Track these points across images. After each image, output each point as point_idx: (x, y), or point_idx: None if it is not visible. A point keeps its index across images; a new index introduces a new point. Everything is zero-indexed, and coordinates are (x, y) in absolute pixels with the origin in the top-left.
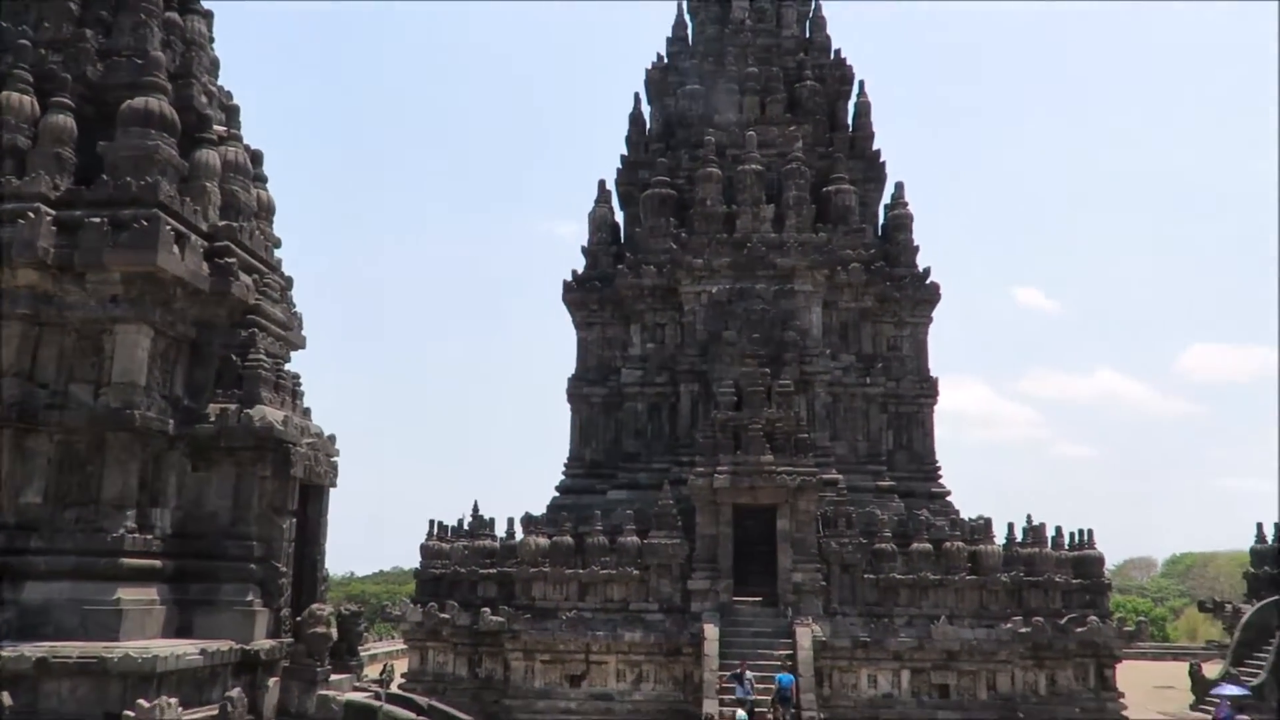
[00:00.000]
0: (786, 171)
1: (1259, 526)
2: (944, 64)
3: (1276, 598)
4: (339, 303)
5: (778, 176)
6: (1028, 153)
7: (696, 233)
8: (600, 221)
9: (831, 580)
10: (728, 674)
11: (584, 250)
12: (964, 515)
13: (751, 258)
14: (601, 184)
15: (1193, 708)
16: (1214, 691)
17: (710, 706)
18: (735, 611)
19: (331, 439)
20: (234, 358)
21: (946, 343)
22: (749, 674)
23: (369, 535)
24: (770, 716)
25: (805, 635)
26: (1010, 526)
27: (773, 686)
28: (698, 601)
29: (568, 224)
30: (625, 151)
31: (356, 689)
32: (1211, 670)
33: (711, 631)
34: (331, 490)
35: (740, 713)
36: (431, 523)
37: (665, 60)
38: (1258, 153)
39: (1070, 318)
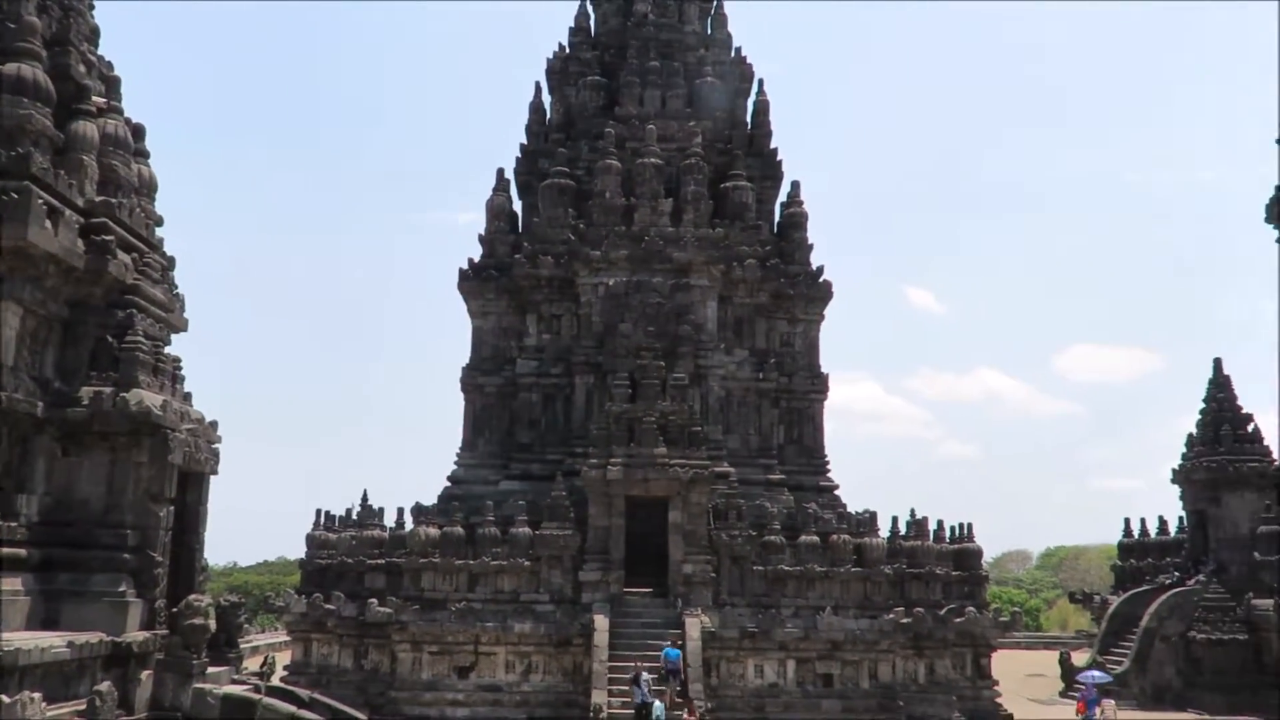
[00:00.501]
0: (685, 166)
1: (1127, 522)
2: (845, 66)
3: (1141, 589)
4: (225, 288)
5: (676, 171)
6: (924, 157)
7: (595, 224)
8: (498, 210)
9: (721, 572)
10: (627, 676)
11: (481, 239)
12: (851, 509)
13: (649, 251)
14: (500, 172)
15: (1062, 694)
16: (1079, 677)
17: (599, 697)
18: (626, 602)
19: (214, 425)
20: (110, 339)
21: (838, 340)
22: (646, 675)
23: (254, 525)
24: (668, 695)
25: (694, 626)
26: (895, 520)
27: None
28: (589, 592)
29: (466, 212)
30: (525, 141)
31: (235, 682)
32: (1080, 658)
33: (602, 622)
34: (213, 478)
35: (658, 704)
36: (318, 512)
37: (567, 50)
38: (1138, 161)
39: (957, 319)
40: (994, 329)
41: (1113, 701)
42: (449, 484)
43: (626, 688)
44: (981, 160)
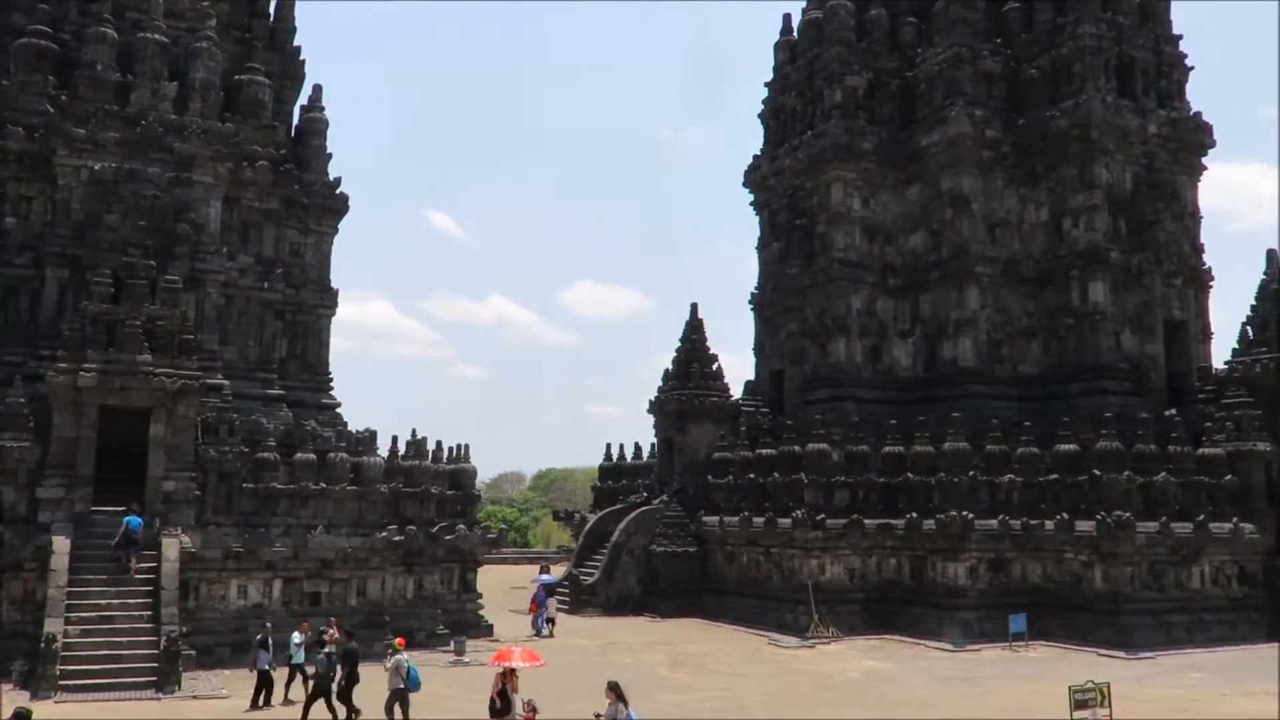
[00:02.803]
0: (195, 50)
1: (608, 447)
2: None
3: (615, 508)
4: None
5: (184, 53)
6: (465, 89)
7: (81, 99)
8: None
9: (208, 490)
10: (91, 603)
11: None
12: (357, 427)
13: (146, 137)
14: None
15: None
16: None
17: (54, 626)
18: (94, 523)
19: None
20: None
21: (357, 257)
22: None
23: None
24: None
25: (172, 546)
26: (395, 440)
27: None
28: (48, 511)
29: None
30: None
31: None
32: (558, 571)
33: (61, 544)
34: None
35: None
36: None
37: None
38: (659, 118)
39: (476, 245)
40: (510, 259)
41: (554, 600)
42: None
43: (93, 616)
44: (518, 98)
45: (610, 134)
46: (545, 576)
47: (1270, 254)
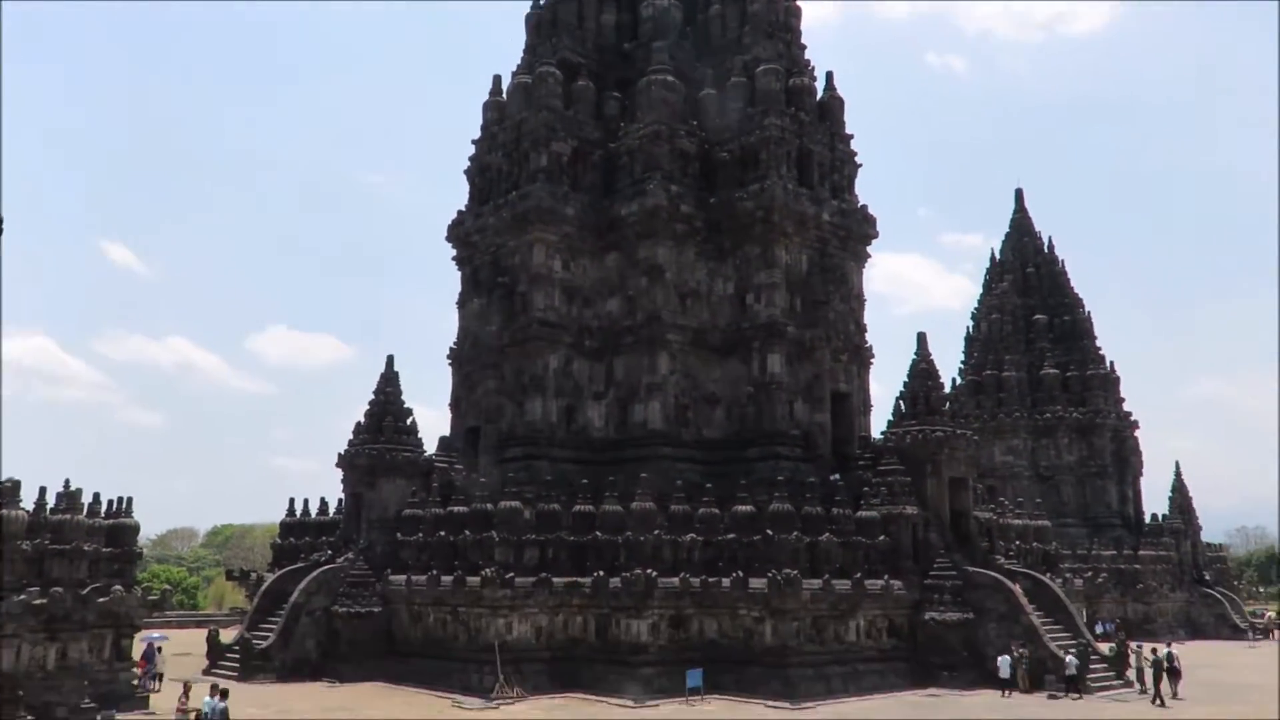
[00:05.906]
0: None
1: (291, 501)
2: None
3: (296, 567)
4: None
5: None
6: (157, 105)
7: None
8: None
9: None
10: None
11: None
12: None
13: None
14: None
15: (206, 671)
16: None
17: None
18: None
19: None
20: None
21: (14, 287)
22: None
23: None
24: None
25: None
26: (43, 491)
27: None
28: None
29: None
30: None
31: None
32: (228, 635)
33: None
34: None
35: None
36: None
37: None
38: (362, 162)
39: (157, 281)
40: (196, 298)
41: (160, 657)
42: None
43: None
44: (217, 123)
45: (313, 172)
46: (154, 635)
47: (920, 336)
